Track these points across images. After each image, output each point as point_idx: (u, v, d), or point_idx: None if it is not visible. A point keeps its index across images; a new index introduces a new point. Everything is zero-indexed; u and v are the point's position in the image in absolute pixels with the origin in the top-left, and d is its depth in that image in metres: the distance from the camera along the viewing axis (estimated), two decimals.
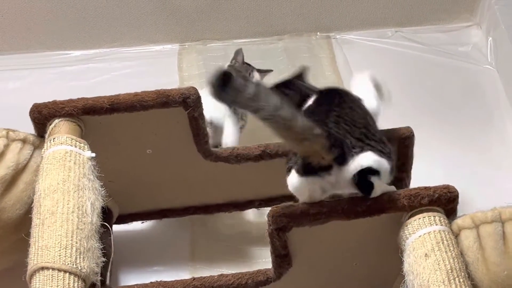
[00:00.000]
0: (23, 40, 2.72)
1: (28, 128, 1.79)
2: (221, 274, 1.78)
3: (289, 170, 1.59)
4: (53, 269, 1.50)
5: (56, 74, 2.69)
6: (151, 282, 1.77)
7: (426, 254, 1.51)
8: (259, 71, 2.36)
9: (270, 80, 2.32)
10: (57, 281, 1.49)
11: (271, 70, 2.36)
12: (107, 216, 1.89)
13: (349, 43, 2.81)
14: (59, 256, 1.52)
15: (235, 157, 1.94)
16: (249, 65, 2.35)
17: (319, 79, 2.68)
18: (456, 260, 1.51)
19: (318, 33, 2.82)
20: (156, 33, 2.76)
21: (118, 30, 2.74)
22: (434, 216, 1.56)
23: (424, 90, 2.66)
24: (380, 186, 1.57)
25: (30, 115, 1.76)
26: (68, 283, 1.50)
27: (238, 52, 2.32)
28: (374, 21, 2.82)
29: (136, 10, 2.69)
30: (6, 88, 2.65)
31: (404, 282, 1.55)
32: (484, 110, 2.58)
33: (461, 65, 2.72)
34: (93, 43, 2.75)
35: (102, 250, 1.63)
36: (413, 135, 1.92)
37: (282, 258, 1.67)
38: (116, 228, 2.09)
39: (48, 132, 1.74)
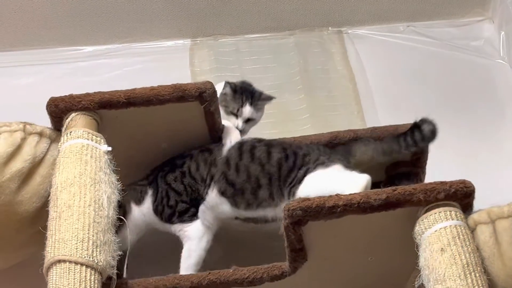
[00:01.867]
0: (36, 37, 2.73)
1: (42, 124, 1.80)
2: (236, 268, 1.78)
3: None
4: (70, 262, 1.52)
5: (68, 70, 2.70)
6: (167, 276, 1.77)
7: (442, 248, 1.51)
8: (256, 100, 2.00)
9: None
10: (74, 274, 1.51)
11: (273, 98, 2.04)
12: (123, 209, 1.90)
13: (360, 38, 2.80)
14: (76, 249, 1.53)
15: None
16: (244, 92, 1.99)
17: (330, 74, 2.68)
18: (472, 254, 1.51)
19: (329, 28, 2.82)
20: (168, 28, 2.77)
21: (130, 26, 2.74)
22: (450, 211, 1.56)
23: (436, 85, 2.65)
24: None
25: (47, 108, 1.76)
26: (85, 276, 1.51)
27: (225, 85, 1.97)
28: (386, 16, 2.81)
29: (148, 6, 2.70)
30: (19, 84, 2.66)
31: (419, 277, 1.55)
32: (497, 104, 2.58)
33: (473, 59, 2.71)
34: (105, 39, 2.76)
35: (118, 244, 1.64)
36: None
37: (297, 252, 1.67)
38: None
39: (64, 126, 1.75)
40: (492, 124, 2.51)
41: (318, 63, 2.73)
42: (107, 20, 2.72)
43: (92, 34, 2.74)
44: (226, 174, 1.82)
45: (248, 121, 1.99)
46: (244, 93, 1.99)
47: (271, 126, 2.49)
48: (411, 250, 1.58)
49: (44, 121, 1.81)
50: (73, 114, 1.75)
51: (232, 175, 1.82)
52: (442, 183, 1.59)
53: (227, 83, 1.97)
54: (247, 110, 1.97)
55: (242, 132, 1.97)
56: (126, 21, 2.73)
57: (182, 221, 1.87)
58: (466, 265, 1.49)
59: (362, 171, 1.99)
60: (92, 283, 1.52)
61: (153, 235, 2.16)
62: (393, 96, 2.64)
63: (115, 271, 1.62)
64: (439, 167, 2.09)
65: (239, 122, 1.96)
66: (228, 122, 1.96)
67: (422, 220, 1.57)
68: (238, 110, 1.96)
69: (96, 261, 1.54)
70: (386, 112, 2.56)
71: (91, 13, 2.69)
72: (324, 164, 1.78)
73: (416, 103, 2.59)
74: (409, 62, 2.73)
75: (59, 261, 1.52)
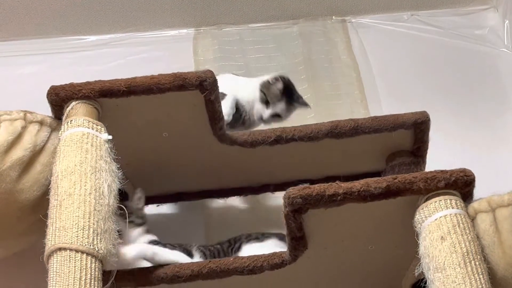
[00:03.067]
0: (39, 26, 2.73)
1: (44, 113, 1.80)
2: (237, 257, 1.79)
3: None
4: (70, 249, 1.52)
5: (71, 59, 2.70)
6: (167, 265, 1.78)
7: (442, 237, 1.51)
8: (294, 102, 2.11)
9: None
10: (75, 262, 1.51)
11: (309, 106, 2.14)
12: (124, 198, 1.90)
13: (364, 27, 2.80)
14: (77, 237, 1.53)
15: (251, 141, 1.94)
16: (288, 91, 2.10)
17: (334, 63, 2.68)
18: (472, 243, 1.51)
19: (333, 17, 2.81)
20: (172, 17, 2.77)
21: (133, 15, 2.74)
22: (451, 199, 1.56)
23: (440, 74, 2.65)
24: None
25: (47, 97, 1.77)
26: (86, 264, 1.51)
27: (278, 80, 2.08)
28: (390, 5, 2.81)
29: None
30: (22, 73, 2.66)
31: (419, 265, 1.55)
32: (500, 93, 2.58)
33: (478, 48, 2.71)
34: (109, 28, 2.76)
35: (118, 232, 1.64)
36: (428, 119, 1.92)
37: (297, 240, 1.68)
38: None
39: (65, 114, 1.75)
40: (496, 113, 2.51)
41: (322, 52, 2.72)
42: (111, 10, 2.72)
43: (96, 24, 2.74)
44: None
45: (275, 116, 2.08)
46: (286, 90, 2.08)
47: None
48: (411, 238, 1.58)
49: (47, 110, 1.81)
50: (74, 103, 1.74)
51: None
52: (442, 171, 1.58)
53: (281, 77, 2.08)
54: (281, 106, 2.07)
55: (266, 123, 2.08)
56: (130, 10, 2.73)
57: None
58: (466, 254, 1.48)
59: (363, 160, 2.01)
60: (93, 271, 1.52)
61: (155, 224, 2.18)
62: (396, 85, 2.64)
63: (116, 259, 1.63)
64: (442, 156, 2.09)
65: (267, 113, 2.07)
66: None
67: (422, 209, 1.57)
68: (274, 102, 2.06)
69: (97, 249, 1.54)
70: (390, 101, 2.55)
71: (95, 2, 2.69)
72: (259, 238, 1.95)
73: (420, 91, 2.59)
74: (413, 51, 2.72)
75: (60, 249, 1.52)
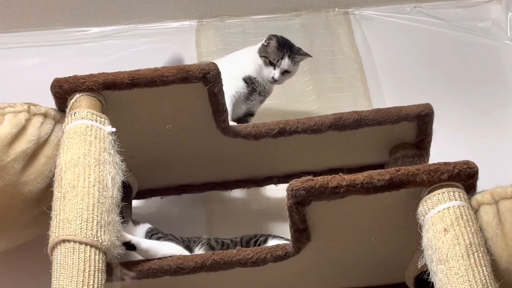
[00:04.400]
0: (42, 18, 2.73)
1: (47, 105, 1.80)
2: (240, 249, 1.80)
3: None
4: (74, 241, 1.52)
5: (74, 51, 2.70)
6: (171, 257, 1.78)
7: (445, 229, 1.51)
8: (295, 53, 2.20)
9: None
10: (78, 254, 1.51)
11: (310, 56, 2.26)
12: (127, 191, 1.91)
13: (367, 19, 2.79)
14: (80, 229, 1.54)
15: (254, 133, 1.95)
16: (285, 46, 2.19)
17: (337, 56, 2.68)
18: (475, 235, 1.51)
19: (336, 9, 2.80)
20: (174, 9, 2.76)
21: (136, 7, 2.74)
22: (454, 192, 1.56)
23: (443, 66, 2.64)
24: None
25: (51, 89, 1.77)
26: (90, 256, 1.52)
27: (271, 38, 2.18)
28: None
29: None
30: (25, 64, 2.66)
31: (422, 257, 1.55)
32: (503, 85, 2.57)
33: (480, 40, 2.70)
34: (112, 20, 2.76)
35: (122, 224, 1.65)
36: (432, 112, 1.92)
37: (300, 233, 1.68)
38: (135, 203, 2.11)
39: (69, 107, 1.75)
40: (499, 105, 2.50)
41: (325, 44, 2.72)
42: (113, 1, 2.71)
43: (98, 15, 2.74)
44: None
45: (285, 73, 2.19)
46: (285, 46, 2.19)
47: (277, 108, 2.49)
48: (414, 230, 1.59)
49: (51, 102, 1.81)
50: (77, 95, 1.75)
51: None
52: (445, 163, 1.59)
53: (272, 35, 2.19)
54: (286, 62, 2.18)
55: (277, 82, 2.19)
56: (132, 2, 2.72)
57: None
58: (469, 245, 1.49)
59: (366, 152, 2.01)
60: (97, 262, 1.53)
61: (159, 216, 2.19)
62: (399, 77, 2.63)
63: (120, 251, 1.63)
64: (445, 148, 2.09)
65: (276, 72, 2.17)
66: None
67: (426, 201, 1.57)
68: (277, 61, 2.17)
69: (101, 241, 1.54)
70: (392, 93, 2.55)
71: None
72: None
73: (423, 84, 2.58)
74: (416, 43, 2.71)
75: (64, 241, 1.53)
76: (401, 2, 2.81)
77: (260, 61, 2.18)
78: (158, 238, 1.89)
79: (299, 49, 2.22)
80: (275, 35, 2.20)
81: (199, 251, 1.90)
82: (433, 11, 2.78)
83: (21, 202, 1.75)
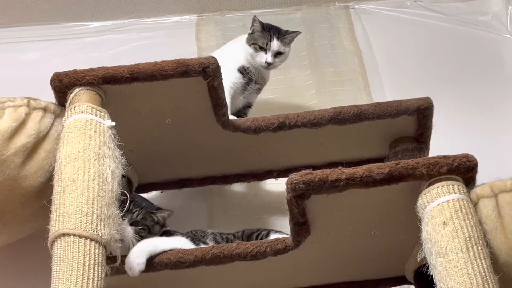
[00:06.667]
0: (42, 12, 2.73)
1: (47, 99, 1.80)
2: (240, 242, 1.80)
3: None
4: (74, 235, 1.53)
5: (75, 45, 2.70)
6: (171, 250, 1.78)
7: (444, 222, 1.51)
8: (283, 35, 2.21)
9: None
10: (78, 247, 1.52)
11: (299, 32, 2.26)
12: (127, 185, 1.91)
13: (367, 13, 2.79)
14: (80, 222, 1.54)
15: (254, 127, 1.95)
16: (272, 29, 2.22)
17: (337, 50, 2.67)
18: (474, 228, 1.51)
19: (336, 3, 2.80)
20: (175, 4, 2.76)
21: (136, 1, 2.74)
22: (453, 185, 1.56)
23: (443, 60, 2.64)
24: None
25: (51, 83, 1.77)
26: (89, 249, 1.52)
27: (254, 20, 2.22)
28: None
29: None
30: (26, 59, 2.67)
31: (422, 250, 1.55)
32: (503, 79, 2.57)
33: (481, 34, 2.70)
34: (112, 14, 2.76)
35: (121, 218, 1.65)
36: (432, 105, 1.92)
37: (300, 226, 1.68)
38: None
39: (68, 101, 1.75)
40: (499, 99, 2.50)
41: (325, 38, 2.72)
42: None
43: (99, 10, 2.74)
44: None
45: (277, 55, 2.19)
46: (271, 29, 2.20)
47: (277, 102, 2.50)
48: (413, 224, 1.59)
49: (51, 97, 1.81)
50: (77, 89, 1.75)
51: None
52: (445, 157, 1.59)
53: (253, 18, 2.20)
54: (275, 43, 2.17)
55: (272, 65, 2.19)
56: None
57: None
58: (468, 239, 1.49)
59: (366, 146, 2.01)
60: (97, 256, 1.53)
61: None
62: (399, 71, 2.63)
63: (119, 245, 1.64)
64: (445, 142, 2.09)
65: (269, 56, 2.17)
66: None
67: (425, 194, 1.57)
68: (267, 44, 2.16)
69: (100, 235, 1.55)
70: (393, 87, 2.55)
71: None
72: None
73: (423, 78, 2.58)
74: (416, 37, 2.71)
75: (64, 235, 1.53)
76: None
77: (250, 49, 2.19)
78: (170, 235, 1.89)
79: (287, 30, 2.23)
80: (256, 17, 2.22)
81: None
82: (433, 5, 2.78)
83: (21, 196, 1.76)
